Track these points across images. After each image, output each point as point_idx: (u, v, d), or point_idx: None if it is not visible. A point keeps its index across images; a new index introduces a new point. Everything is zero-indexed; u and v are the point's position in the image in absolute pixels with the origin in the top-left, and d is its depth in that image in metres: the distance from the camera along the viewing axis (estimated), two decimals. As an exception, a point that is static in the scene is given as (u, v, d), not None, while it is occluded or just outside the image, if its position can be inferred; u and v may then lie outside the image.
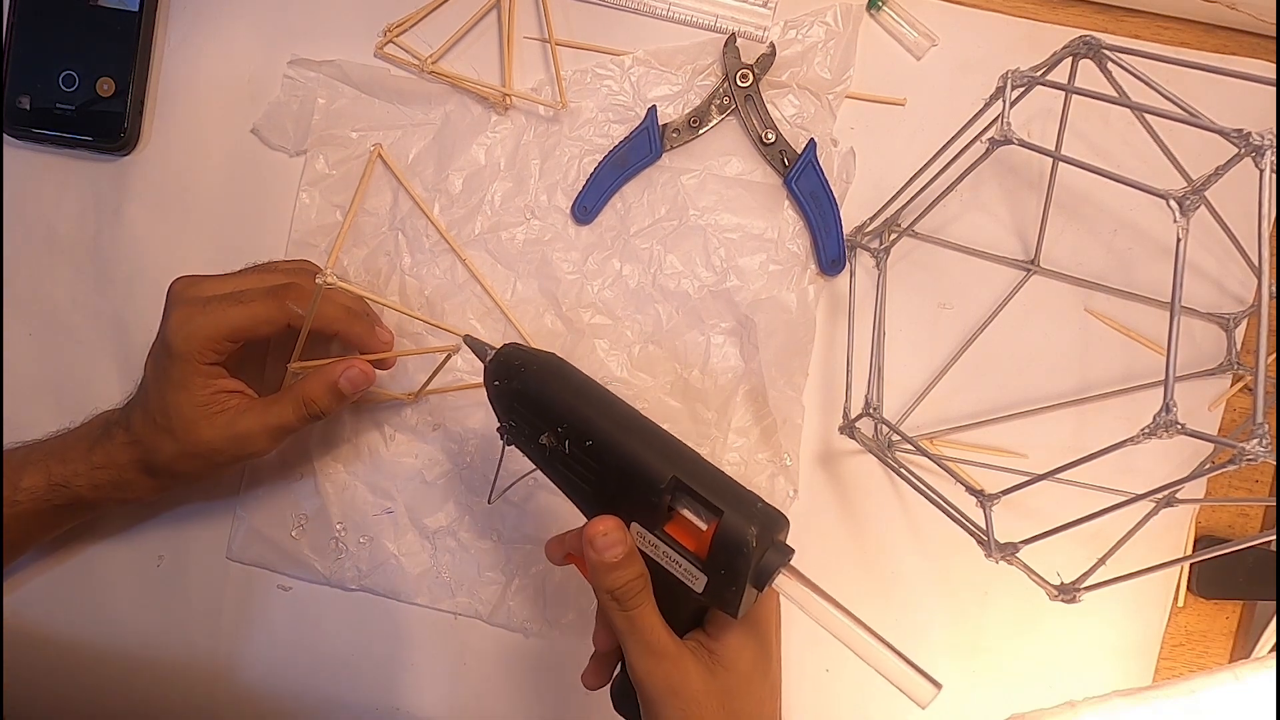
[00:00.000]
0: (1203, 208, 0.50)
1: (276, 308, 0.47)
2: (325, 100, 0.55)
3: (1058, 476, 0.40)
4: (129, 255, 0.56)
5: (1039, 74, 0.42)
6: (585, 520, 0.42)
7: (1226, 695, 0.42)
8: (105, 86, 0.54)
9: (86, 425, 0.51)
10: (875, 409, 0.52)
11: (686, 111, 0.55)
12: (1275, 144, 0.35)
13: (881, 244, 0.56)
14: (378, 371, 0.54)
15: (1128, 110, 0.47)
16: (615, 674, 0.48)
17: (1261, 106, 0.55)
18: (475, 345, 0.46)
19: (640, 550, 0.41)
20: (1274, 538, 0.41)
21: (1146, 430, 0.35)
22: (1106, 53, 0.43)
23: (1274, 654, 0.54)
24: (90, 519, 0.54)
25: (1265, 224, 0.35)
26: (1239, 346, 0.56)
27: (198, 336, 0.46)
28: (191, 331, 0.46)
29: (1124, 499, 0.40)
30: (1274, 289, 0.54)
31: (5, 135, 0.55)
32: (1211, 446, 0.56)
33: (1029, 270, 0.56)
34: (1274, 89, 0.52)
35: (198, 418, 0.47)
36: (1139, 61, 0.42)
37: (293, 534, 0.56)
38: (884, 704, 0.57)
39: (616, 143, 0.55)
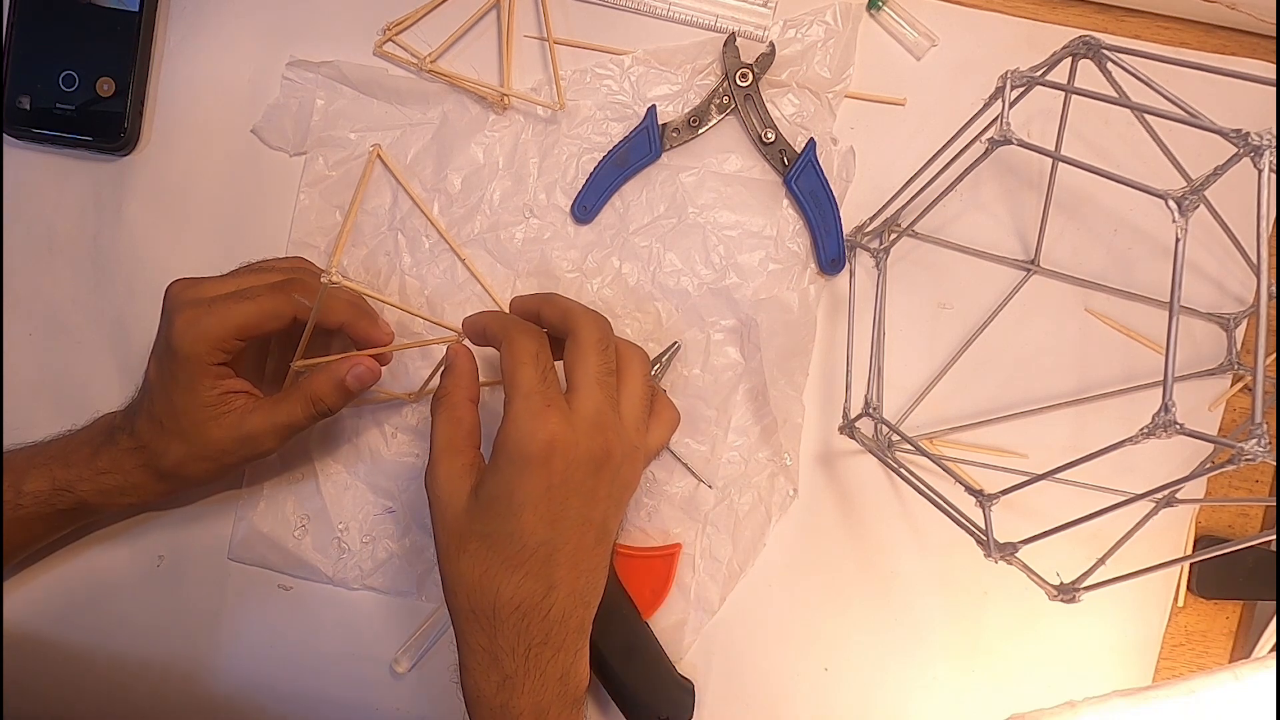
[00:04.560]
0: (1202, 208, 0.50)
1: (284, 301, 0.47)
2: (324, 101, 0.55)
3: (1057, 476, 0.40)
4: (129, 255, 0.56)
5: (1039, 74, 0.42)
6: None
7: (1226, 695, 0.42)
8: (105, 86, 0.54)
9: (89, 429, 0.50)
10: (875, 409, 0.52)
11: (686, 111, 0.55)
12: (1274, 144, 0.35)
13: (881, 244, 0.56)
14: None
15: (1128, 110, 0.47)
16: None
17: (1261, 106, 0.55)
18: None
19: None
20: (1274, 538, 0.41)
21: (1145, 430, 0.35)
22: (1106, 53, 0.43)
23: (1274, 654, 0.54)
24: (94, 521, 0.54)
25: (1264, 224, 0.35)
26: (1239, 346, 0.56)
27: (206, 337, 0.45)
28: (199, 333, 0.45)
29: (1124, 499, 0.40)
30: (1273, 289, 0.54)
31: (5, 135, 0.55)
32: (1212, 446, 0.56)
33: (1029, 270, 0.56)
34: (1274, 89, 0.52)
35: (206, 419, 0.47)
36: (1139, 61, 0.42)
37: (294, 534, 0.56)
38: (884, 703, 0.57)
39: (616, 142, 0.55)
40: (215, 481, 0.52)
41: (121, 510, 0.52)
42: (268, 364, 0.54)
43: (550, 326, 0.46)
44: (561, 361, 0.45)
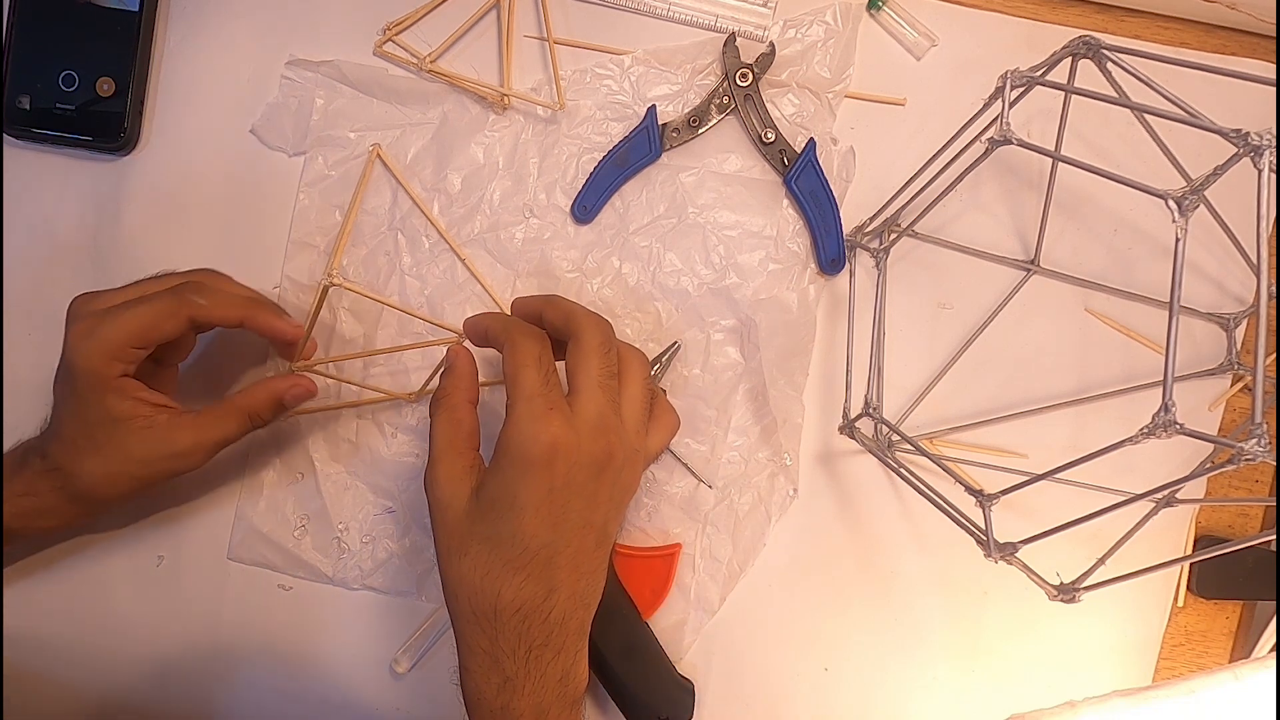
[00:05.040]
0: (1202, 208, 0.50)
1: (177, 302, 0.46)
2: (323, 100, 0.55)
3: (1057, 476, 0.40)
4: (129, 255, 0.56)
5: (1039, 74, 0.42)
6: None
7: (1226, 695, 0.42)
8: (105, 86, 0.54)
9: (9, 454, 0.49)
10: (875, 409, 0.52)
11: (686, 111, 0.55)
12: (1274, 144, 0.35)
13: (881, 244, 0.56)
14: (373, 371, 0.56)
15: (1128, 110, 0.47)
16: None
17: (1261, 106, 0.55)
18: None
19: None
20: (1274, 538, 0.41)
21: (1145, 430, 0.35)
22: (1106, 53, 0.43)
23: (1274, 654, 0.54)
24: (18, 550, 0.54)
25: (1264, 224, 0.35)
26: (1239, 346, 0.56)
27: (102, 348, 0.45)
28: (95, 344, 0.45)
29: (1124, 499, 0.40)
30: (1273, 289, 0.54)
31: (5, 135, 0.55)
32: (1211, 446, 0.56)
33: (1029, 270, 0.56)
34: (1274, 89, 0.52)
35: (124, 433, 0.46)
36: (1139, 61, 0.42)
37: (294, 534, 0.56)
38: (884, 703, 0.57)
39: (616, 142, 0.55)
40: (132, 500, 0.50)
41: (40, 536, 0.51)
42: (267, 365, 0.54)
43: (552, 329, 0.46)
44: (561, 363, 0.45)
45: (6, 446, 0.51)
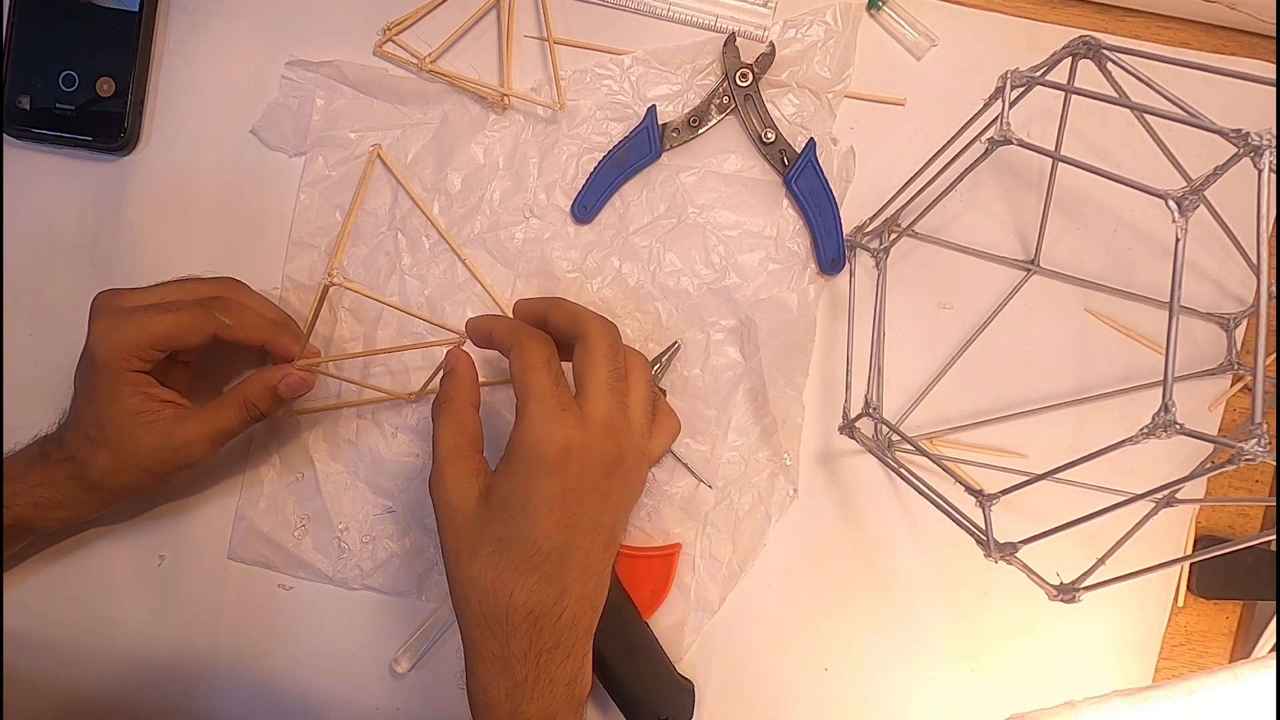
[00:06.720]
0: (1202, 208, 0.50)
1: (204, 316, 0.47)
2: (324, 101, 0.55)
3: (1057, 476, 0.40)
4: (129, 255, 0.56)
5: (1039, 74, 0.42)
6: None
7: (1226, 695, 0.42)
8: (105, 86, 0.54)
9: (26, 447, 0.51)
10: (875, 409, 0.52)
11: (686, 111, 0.55)
12: (1274, 144, 0.35)
13: (881, 244, 0.56)
14: (373, 370, 0.56)
15: (1128, 110, 0.47)
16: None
17: (1261, 106, 0.55)
18: None
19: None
20: (1274, 538, 0.41)
21: (1145, 430, 0.35)
22: (1106, 53, 0.43)
23: (1274, 654, 0.54)
24: (29, 547, 0.54)
25: (1264, 224, 0.35)
26: (1239, 346, 0.56)
27: (122, 345, 0.46)
28: (116, 340, 0.46)
29: (1124, 499, 0.40)
30: (1273, 289, 0.54)
31: (5, 135, 0.55)
32: (1211, 446, 0.56)
33: (1029, 270, 0.56)
34: (1274, 89, 0.52)
35: (133, 426, 0.47)
36: (1139, 61, 0.42)
37: (294, 533, 0.56)
38: (884, 703, 0.57)
39: (616, 142, 0.55)
40: (146, 493, 0.51)
41: (56, 526, 0.52)
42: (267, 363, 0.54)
43: (557, 331, 0.46)
44: (565, 363, 0.45)
45: (10, 445, 0.51)
